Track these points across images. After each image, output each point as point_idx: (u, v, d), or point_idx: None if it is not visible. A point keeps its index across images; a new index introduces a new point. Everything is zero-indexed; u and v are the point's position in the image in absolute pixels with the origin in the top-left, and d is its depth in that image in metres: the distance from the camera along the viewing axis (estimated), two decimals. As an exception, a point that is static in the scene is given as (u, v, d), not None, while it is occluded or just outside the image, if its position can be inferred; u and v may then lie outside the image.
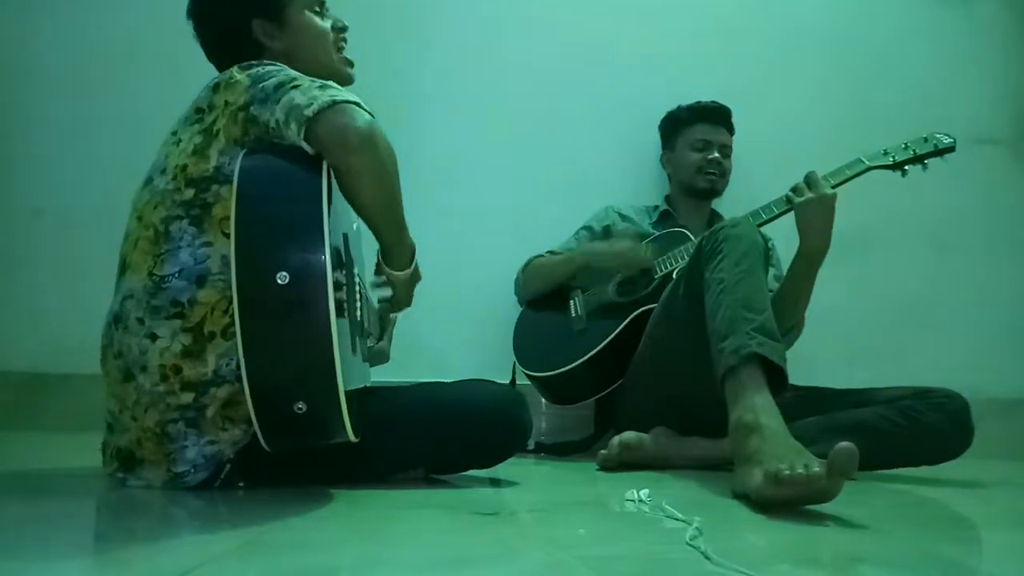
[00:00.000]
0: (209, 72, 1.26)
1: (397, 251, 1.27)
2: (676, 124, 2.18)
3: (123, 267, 1.16)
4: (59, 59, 2.29)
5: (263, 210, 1.01)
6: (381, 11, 2.32)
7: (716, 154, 2.09)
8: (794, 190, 1.73)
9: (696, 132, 2.12)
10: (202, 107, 1.18)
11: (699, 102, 2.15)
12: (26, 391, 2.15)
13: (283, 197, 1.03)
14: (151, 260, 1.10)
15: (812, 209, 1.68)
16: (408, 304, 1.37)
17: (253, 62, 1.19)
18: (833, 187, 1.70)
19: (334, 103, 1.06)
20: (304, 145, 1.06)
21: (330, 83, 1.12)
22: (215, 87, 1.18)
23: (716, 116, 2.13)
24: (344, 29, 1.40)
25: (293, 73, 1.14)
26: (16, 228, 2.26)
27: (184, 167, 1.13)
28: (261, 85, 1.12)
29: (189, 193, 1.11)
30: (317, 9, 1.36)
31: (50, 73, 2.30)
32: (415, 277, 1.34)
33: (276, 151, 1.09)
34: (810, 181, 1.71)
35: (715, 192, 2.12)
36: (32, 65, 2.30)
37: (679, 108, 2.18)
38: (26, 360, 2.18)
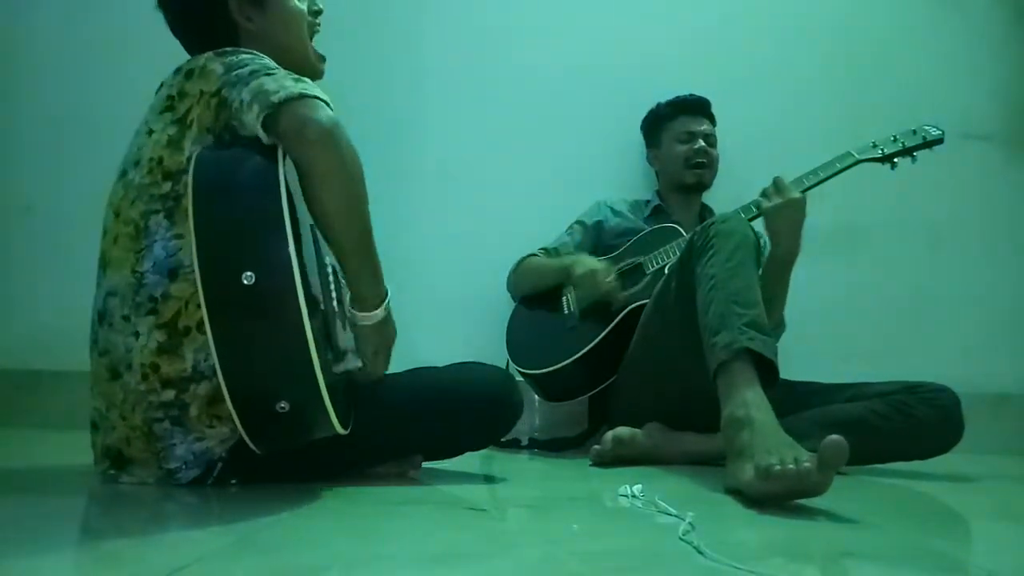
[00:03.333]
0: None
1: (363, 283, 1.15)
2: (658, 120, 2.19)
3: (104, 263, 1.14)
4: (49, 56, 2.28)
5: (221, 209, 0.97)
6: (377, 12, 2.32)
7: (702, 143, 2.10)
8: (763, 194, 1.75)
9: (679, 125, 2.13)
10: (172, 95, 1.15)
11: (678, 96, 2.16)
12: (18, 388, 2.14)
13: (241, 193, 0.98)
14: (133, 257, 1.09)
15: (780, 214, 1.70)
16: (381, 365, 1.21)
17: (228, 49, 1.16)
18: (803, 191, 1.73)
19: (302, 96, 1.04)
20: (260, 131, 1.04)
21: (305, 79, 1.10)
22: (187, 74, 1.14)
23: (696, 107, 2.14)
24: (319, 12, 1.36)
25: (270, 63, 1.12)
26: (7, 225, 2.25)
27: (160, 160, 1.11)
28: (236, 72, 1.09)
29: (166, 187, 1.10)
30: (314, 6, 1.34)
31: (40, 70, 2.29)
32: (387, 330, 1.20)
33: (229, 150, 1.06)
34: (778, 186, 1.73)
35: (703, 185, 2.13)
36: (22, 62, 2.29)
37: (659, 105, 2.19)
38: (18, 357, 2.17)
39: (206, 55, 1.15)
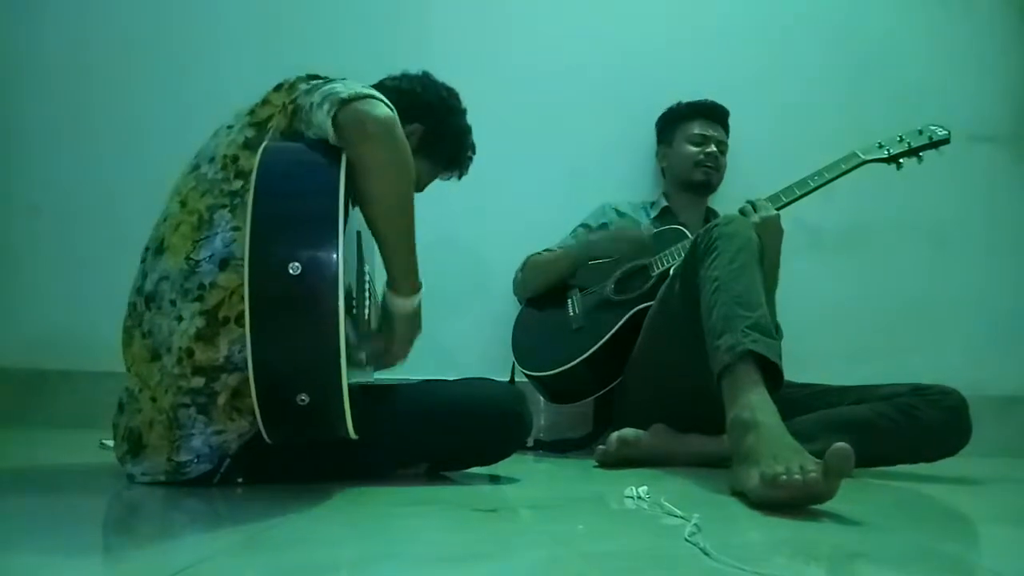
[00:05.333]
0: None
1: (402, 272, 1.23)
2: (674, 119, 2.20)
3: (160, 249, 1.17)
4: (57, 57, 2.29)
5: (280, 201, 1.02)
6: (383, 14, 2.32)
7: (713, 148, 2.11)
8: (741, 212, 1.76)
9: (694, 127, 2.14)
10: (258, 102, 1.20)
11: (699, 100, 2.18)
12: (26, 388, 2.15)
13: (300, 190, 1.04)
14: (190, 244, 1.13)
15: (758, 232, 1.71)
16: (403, 352, 1.31)
17: (316, 74, 1.21)
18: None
19: (370, 96, 1.09)
20: (328, 126, 1.07)
21: (371, 89, 1.14)
22: (277, 86, 1.21)
23: (714, 114, 2.16)
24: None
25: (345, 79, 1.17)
26: (14, 225, 2.26)
27: (235, 158, 1.16)
28: (314, 83, 1.15)
29: (237, 184, 1.14)
30: (443, 177, 1.58)
31: (48, 71, 2.30)
32: (416, 320, 1.29)
33: (297, 145, 1.10)
34: (755, 205, 1.77)
35: (710, 186, 2.13)
36: (30, 62, 2.30)
37: (678, 104, 2.20)
38: (26, 356, 2.18)
39: (298, 75, 1.20)
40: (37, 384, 2.16)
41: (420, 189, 1.55)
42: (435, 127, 1.50)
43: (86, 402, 2.07)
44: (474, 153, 1.65)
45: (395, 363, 1.33)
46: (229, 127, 1.22)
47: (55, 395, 2.14)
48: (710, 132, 2.13)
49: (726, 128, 2.17)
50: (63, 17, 2.31)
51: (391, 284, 1.26)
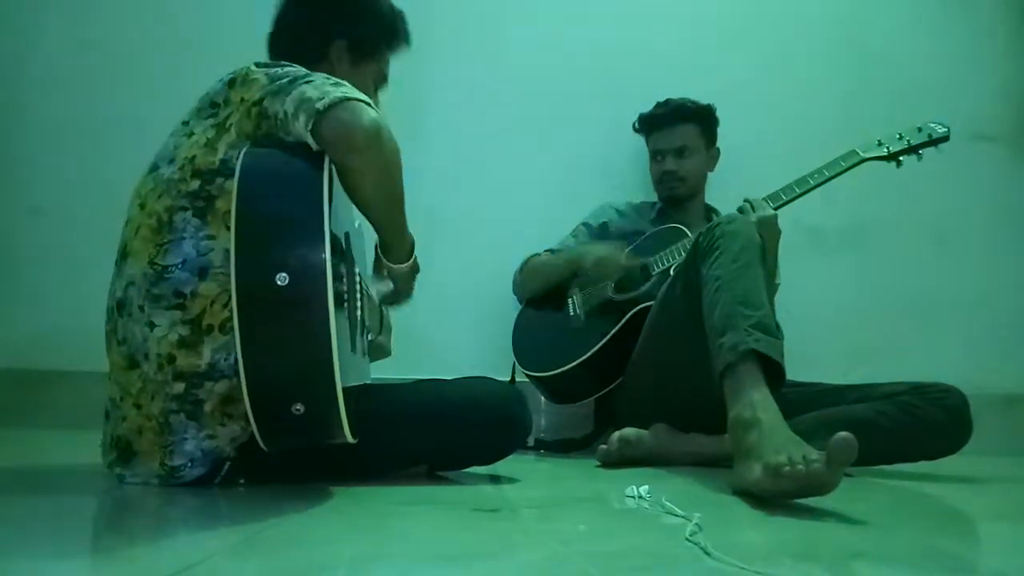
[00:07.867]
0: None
1: (397, 246, 1.32)
2: (641, 134, 2.19)
3: (124, 253, 1.16)
4: (58, 58, 2.29)
5: (264, 209, 1.00)
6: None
7: (669, 165, 2.08)
8: (740, 211, 1.76)
9: (651, 143, 2.15)
10: (217, 101, 1.18)
11: (643, 114, 2.14)
12: (25, 388, 2.15)
13: (284, 196, 1.02)
14: (152, 248, 1.11)
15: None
16: (409, 296, 1.43)
17: (271, 62, 1.20)
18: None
19: (345, 99, 1.07)
20: (309, 138, 1.06)
21: (343, 82, 1.12)
22: (231, 82, 1.18)
23: (662, 120, 2.10)
24: (385, 78, 1.47)
25: (308, 71, 1.15)
26: (15, 227, 2.26)
27: (192, 158, 1.13)
28: (277, 82, 1.12)
29: (195, 184, 1.12)
30: (381, 86, 1.45)
31: (49, 72, 2.30)
32: (414, 269, 1.39)
33: (278, 149, 1.08)
34: (752, 204, 1.77)
35: (676, 199, 2.11)
36: (31, 64, 2.30)
37: (636, 121, 2.18)
38: (25, 357, 2.17)
39: (249, 66, 1.18)
40: (37, 385, 2.16)
41: (379, 88, 1.45)
42: (355, 30, 1.38)
43: (85, 403, 2.06)
44: (403, 19, 1.45)
45: (403, 303, 1.45)
46: (185, 124, 1.19)
47: (54, 395, 2.13)
48: (663, 144, 2.09)
49: (682, 119, 2.07)
50: (66, 18, 2.31)
51: (385, 252, 1.33)
